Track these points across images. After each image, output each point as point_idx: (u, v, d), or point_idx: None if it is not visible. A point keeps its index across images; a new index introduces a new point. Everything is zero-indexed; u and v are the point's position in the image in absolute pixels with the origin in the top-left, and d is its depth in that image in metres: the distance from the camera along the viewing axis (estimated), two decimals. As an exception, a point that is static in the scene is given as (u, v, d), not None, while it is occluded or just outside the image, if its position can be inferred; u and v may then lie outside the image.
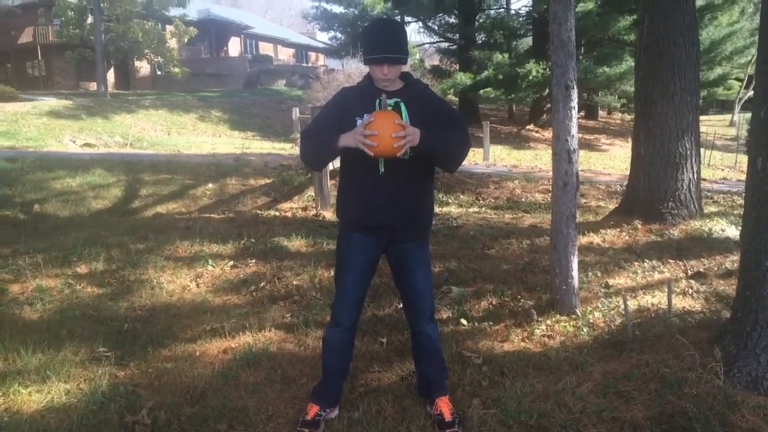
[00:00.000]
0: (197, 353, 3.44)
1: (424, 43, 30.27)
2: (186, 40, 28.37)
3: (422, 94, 2.54)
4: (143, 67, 33.96)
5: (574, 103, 3.75)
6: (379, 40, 2.39)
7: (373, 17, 22.07)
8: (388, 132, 2.26)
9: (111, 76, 30.89)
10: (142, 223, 6.65)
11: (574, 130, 3.75)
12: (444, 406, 2.64)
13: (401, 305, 3.07)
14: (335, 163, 7.71)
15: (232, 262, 5.12)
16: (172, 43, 28.14)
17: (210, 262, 5.09)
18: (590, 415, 2.59)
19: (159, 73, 32.61)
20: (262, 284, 4.58)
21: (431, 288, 2.69)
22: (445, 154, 2.48)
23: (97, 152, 12.69)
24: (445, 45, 28.49)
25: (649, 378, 2.77)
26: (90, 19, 25.40)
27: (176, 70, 26.73)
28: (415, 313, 2.67)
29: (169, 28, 28.25)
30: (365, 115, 2.38)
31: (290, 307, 4.14)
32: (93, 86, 27.91)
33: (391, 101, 2.40)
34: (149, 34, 26.07)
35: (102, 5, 24.50)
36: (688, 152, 5.64)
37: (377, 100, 2.41)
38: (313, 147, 2.50)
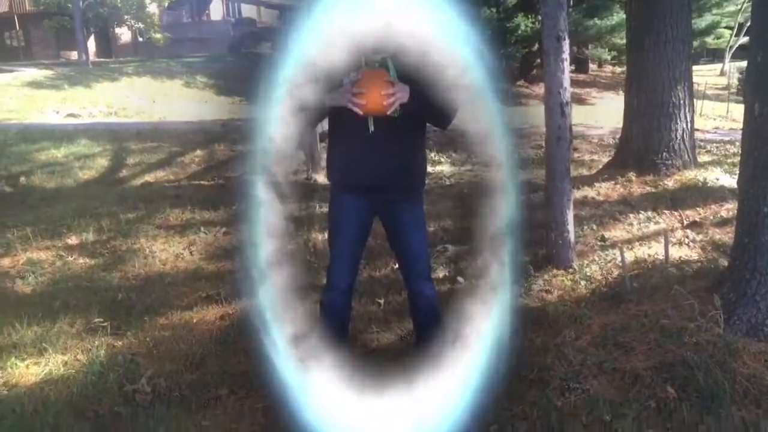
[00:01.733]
0: (194, 320, 3.42)
1: None
2: (166, 4, 27.69)
3: None
4: (124, 34, 33.18)
5: (566, 55, 3.68)
6: None
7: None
8: (376, 90, 2.19)
9: (92, 44, 30.16)
10: (130, 192, 6.56)
11: (566, 82, 3.68)
12: None
13: (397, 266, 3.04)
14: (324, 125, 7.59)
15: (224, 229, 5.07)
16: (153, 8, 27.42)
17: (202, 229, 5.03)
18: (590, 366, 2.59)
19: (140, 39, 31.85)
20: (256, 249, 4.54)
21: (427, 248, 2.66)
22: (436, 110, 2.39)
23: (82, 122, 12.46)
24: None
25: (648, 328, 2.77)
26: (67, -14, 24.70)
27: (157, 36, 26.14)
28: (411, 274, 2.63)
29: (149, -8, 27.52)
30: (351, 73, 2.29)
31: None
32: (74, 55, 27.25)
33: (378, 57, 2.32)
34: (128, -1, 25.41)
35: (78, -30, 23.80)
36: (682, 102, 5.58)
37: (364, 59, 2.32)
38: (301, 106, 2.41)
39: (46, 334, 3.24)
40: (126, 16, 26.23)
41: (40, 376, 2.86)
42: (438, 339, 2.69)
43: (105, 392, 2.70)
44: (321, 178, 7.04)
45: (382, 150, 2.38)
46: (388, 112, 2.23)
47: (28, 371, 2.90)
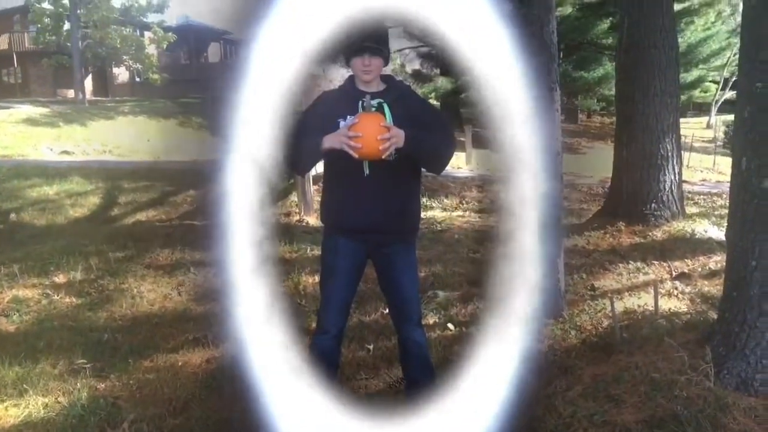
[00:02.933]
0: (180, 363, 3.36)
1: (404, 48, 30.29)
2: (165, 46, 28.08)
3: (405, 95, 2.51)
4: (122, 74, 33.55)
5: (557, 105, 3.75)
6: (361, 33, 2.32)
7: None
8: (373, 133, 2.22)
9: (89, 83, 30.48)
10: (121, 231, 6.54)
11: (557, 132, 3.74)
12: None
13: (387, 311, 3.01)
14: (318, 168, 7.64)
15: (215, 270, 5.03)
16: (151, 49, 27.84)
17: (192, 269, 5.00)
18: (581, 419, 2.56)
19: (138, 79, 32.23)
20: (246, 292, 4.50)
21: (418, 293, 2.65)
22: (431, 155, 2.44)
23: (75, 159, 12.50)
24: (425, 49, 28.53)
25: (638, 381, 2.75)
26: (67, 26, 25.05)
27: (155, 76, 26.47)
28: (402, 318, 2.62)
29: (148, 34, 27.94)
30: (348, 116, 2.34)
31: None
32: (70, 94, 27.50)
33: (375, 102, 2.36)
34: (127, 40, 25.78)
35: (79, 11, 24.22)
36: (670, 153, 5.68)
37: (360, 102, 2.37)
38: (296, 151, 2.43)
39: (27, 375, 3.16)
40: (124, 57, 26.58)
41: (20, 418, 2.78)
42: (427, 386, 2.66)
43: (85, 436, 2.63)
44: (313, 220, 7.05)
45: (377, 193, 2.40)
46: (384, 156, 2.25)
47: (7, 413, 2.83)
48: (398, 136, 2.25)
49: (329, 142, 2.28)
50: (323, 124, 2.38)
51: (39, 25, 25.30)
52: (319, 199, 2.68)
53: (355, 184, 2.40)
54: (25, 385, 3.05)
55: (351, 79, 2.49)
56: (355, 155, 2.24)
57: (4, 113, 18.28)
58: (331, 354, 2.61)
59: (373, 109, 2.34)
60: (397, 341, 2.73)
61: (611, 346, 3.23)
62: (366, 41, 2.33)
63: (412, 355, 2.65)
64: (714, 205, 7.09)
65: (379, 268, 2.61)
